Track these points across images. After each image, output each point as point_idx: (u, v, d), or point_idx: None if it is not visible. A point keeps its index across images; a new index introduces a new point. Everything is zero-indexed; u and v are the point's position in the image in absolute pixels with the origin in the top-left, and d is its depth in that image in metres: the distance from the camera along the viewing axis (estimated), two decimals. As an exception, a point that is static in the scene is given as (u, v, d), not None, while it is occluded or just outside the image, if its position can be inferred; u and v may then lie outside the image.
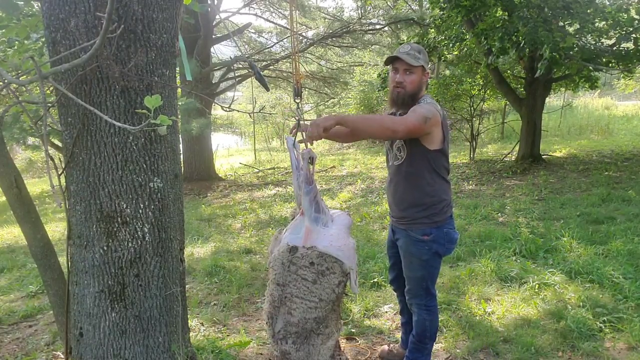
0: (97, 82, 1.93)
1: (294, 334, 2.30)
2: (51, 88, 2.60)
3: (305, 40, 12.82)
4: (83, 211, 2.04)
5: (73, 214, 2.08)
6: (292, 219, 2.54)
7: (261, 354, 2.90)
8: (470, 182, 8.09)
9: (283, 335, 2.31)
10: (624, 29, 6.91)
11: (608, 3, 7.73)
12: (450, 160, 10.29)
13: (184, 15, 2.39)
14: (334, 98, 17.66)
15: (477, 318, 3.18)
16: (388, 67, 2.48)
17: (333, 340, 2.38)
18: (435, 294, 2.53)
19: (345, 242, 2.36)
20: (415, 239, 2.39)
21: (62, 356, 2.74)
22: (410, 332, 2.64)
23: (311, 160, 2.37)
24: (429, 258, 2.39)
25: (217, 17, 11.92)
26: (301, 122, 2.42)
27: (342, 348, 2.77)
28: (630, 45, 7.13)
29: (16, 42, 3.19)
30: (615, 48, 7.22)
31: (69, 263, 2.14)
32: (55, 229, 6.84)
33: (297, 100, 2.51)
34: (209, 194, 9.37)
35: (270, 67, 13.21)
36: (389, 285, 3.10)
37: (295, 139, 2.49)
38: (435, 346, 2.89)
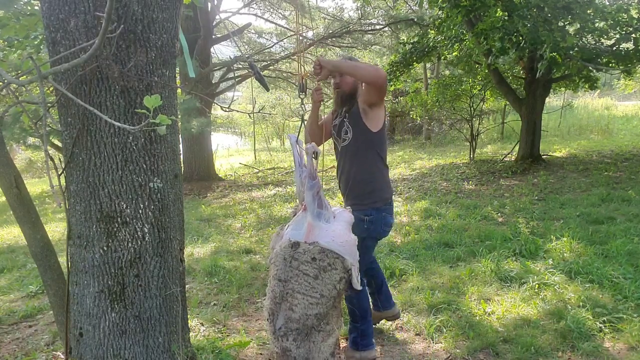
0: (96, 82, 1.93)
1: (294, 331, 2.29)
2: (51, 88, 2.61)
3: (305, 40, 12.82)
4: (83, 211, 2.04)
5: (73, 214, 2.08)
6: (294, 216, 2.54)
7: (261, 354, 2.90)
8: (470, 182, 8.09)
9: (284, 332, 2.30)
10: (624, 29, 6.91)
11: (608, 3, 7.73)
12: (450, 161, 10.20)
13: (185, 10, 2.39)
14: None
15: (477, 318, 3.18)
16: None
17: (334, 337, 2.38)
18: (362, 276, 2.66)
19: (347, 239, 2.37)
20: (358, 219, 2.58)
21: (62, 356, 2.74)
22: (375, 295, 3.06)
23: (315, 155, 2.38)
24: (366, 237, 2.60)
25: (217, 17, 11.93)
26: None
27: (342, 347, 2.77)
28: (630, 45, 7.13)
29: (15, 42, 3.19)
30: (615, 48, 7.23)
31: (69, 263, 2.14)
32: (55, 229, 6.84)
33: (302, 96, 2.53)
34: (208, 194, 9.37)
35: (270, 67, 13.22)
36: None
37: (298, 136, 2.50)
38: (435, 346, 2.90)
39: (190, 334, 2.69)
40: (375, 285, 3.08)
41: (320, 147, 2.56)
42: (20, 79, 2.01)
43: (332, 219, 2.39)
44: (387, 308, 3.11)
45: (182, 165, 3.29)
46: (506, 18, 7.10)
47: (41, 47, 3.28)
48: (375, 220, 2.65)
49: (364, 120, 2.62)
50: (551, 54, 6.13)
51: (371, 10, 13.69)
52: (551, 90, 9.99)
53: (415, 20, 12.21)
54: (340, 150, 2.76)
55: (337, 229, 2.36)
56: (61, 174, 2.08)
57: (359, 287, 2.52)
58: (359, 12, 13.49)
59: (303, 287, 2.25)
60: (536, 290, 3.50)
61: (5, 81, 1.63)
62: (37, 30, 2.91)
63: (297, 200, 2.57)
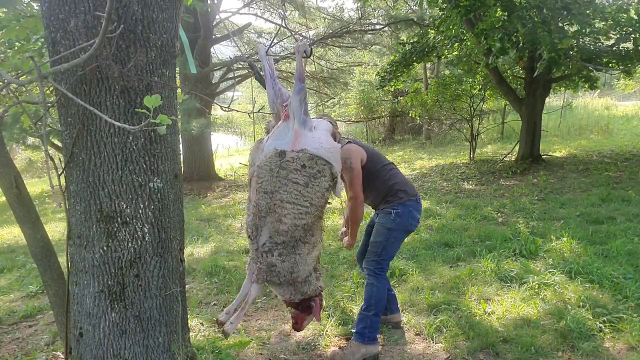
0: (96, 82, 1.93)
1: (280, 245, 2.22)
2: (51, 88, 2.60)
3: (305, 40, 12.80)
4: (83, 211, 2.04)
5: (73, 214, 2.08)
6: (267, 132, 2.43)
7: (261, 354, 2.90)
8: (470, 182, 8.09)
9: (269, 248, 2.23)
10: (624, 29, 6.91)
11: (607, 3, 7.72)
12: (450, 161, 10.18)
13: (183, 15, 2.39)
14: (333, 98, 17.66)
15: (477, 318, 3.18)
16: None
17: (317, 250, 2.35)
18: (386, 268, 2.92)
19: (334, 145, 2.32)
20: (387, 211, 2.86)
21: (62, 356, 2.74)
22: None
23: (306, 54, 2.28)
24: (392, 228, 2.82)
25: (217, 17, 11.92)
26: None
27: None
28: (629, 45, 7.13)
29: (16, 44, 3.18)
30: (615, 48, 7.23)
31: (69, 263, 2.14)
32: (55, 229, 6.84)
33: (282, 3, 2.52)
34: (208, 194, 9.37)
35: (270, 67, 13.17)
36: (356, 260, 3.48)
37: (268, 48, 2.44)
38: (435, 346, 2.90)
39: (190, 334, 2.69)
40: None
41: None
42: (20, 79, 2.01)
43: (314, 128, 2.33)
44: (394, 312, 3.17)
45: (182, 165, 3.29)
46: (506, 18, 7.10)
47: (43, 50, 3.28)
48: (403, 213, 2.83)
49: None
50: (550, 55, 6.13)
51: (371, 10, 13.68)
52: (551, 90, 9.99)
53: (415, 20, 12.20)
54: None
55: (323, 136, 2.30)
56: (61, 174, 2.08)
57: (341, 196, 2.54)
58: (359, 12, 13.48)
59: (292, 196, 2.18)
60: (536, 290, 3.50)
61: (5, 81, 1.63)
62: (38, 33, 2.90)
63: (271, 115, 2.47)
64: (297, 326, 2.58)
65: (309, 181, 2.19)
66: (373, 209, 3.06)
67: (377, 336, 2.86)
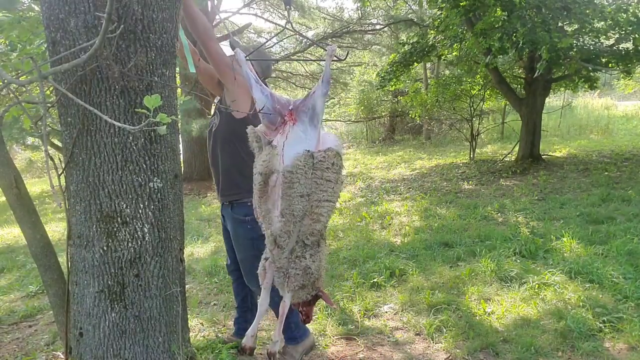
0: (97, 82, 1.93)
1: (309, 246, 2.23)
2: (51, 88, 2.60)
3: (305, 40, 12.82)
4: (83, 211, 2.04)
5: (73, 214, 2.08)
6: (265, 142, 2.34)
7: (261, 354, 2.90)
8: (470, 182, 8.09)
9: (300, 252, 2.23)
10: (623, 29, 6.91)
11: (607, 3, 7.73)
12: (450, 160, 10.11)
13: (183, 15, 2.39)
14: (333, 98, 17.67)
15: (477, 318, 3.18)
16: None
17: (326, 244, 2.40)
18: None
19: (340, 142, 2.39)
20: (239, 220, 2.56)
21: (62, 356, 2.74)
22: (241, 323, 2.92)
23: (337, 57, 2.31)
24: (255, 237, 2.48)
25: (217, 17, 11.92)
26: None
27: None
28: (629, 45, 7.13)
29: (18, 45, 3.18)
30: (614, 48, 7.23)
31: (69, 263, 2.14)
32: (55, 229, 6.84)
33: (288, 7, 2.55)
34: (209, 194, 9.37)
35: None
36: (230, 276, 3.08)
37: (249, 54, 2.42)
38: (435, 346, 2.90)
39: (190, 334, 2.69)
40: (251, 304, 2.92)
41: None
42: (20, 79, 2.01)
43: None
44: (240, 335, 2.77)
45: (182, 165, 3.28)
46: (505, 18, 7.10)
47: (46, 55, 3.27)
48: (255, 218, 2.43)
49: (229, 106, 2.48)
50: (550, 54, 6.14)
51: (371, 10, 13.69)
52: (551, 90, 9.99)
53: (415, 20, 12.21)
54: (210, 133, 2.65)
55: (332, 135, 2.38)
56: (61, 174, 2.08)
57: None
58: (359, 12, 13.49)
59: (328, 194, 2.21)
60: (536, 290, 3.50)
61: (5, 81, 1.63)
62: (39, 36, 2.89)
63: (266, 121, 2.38)
64: (309, 319, 2.53)
65: (337, 177, 2.25)
66: (219, 192, 2.65)
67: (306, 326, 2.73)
